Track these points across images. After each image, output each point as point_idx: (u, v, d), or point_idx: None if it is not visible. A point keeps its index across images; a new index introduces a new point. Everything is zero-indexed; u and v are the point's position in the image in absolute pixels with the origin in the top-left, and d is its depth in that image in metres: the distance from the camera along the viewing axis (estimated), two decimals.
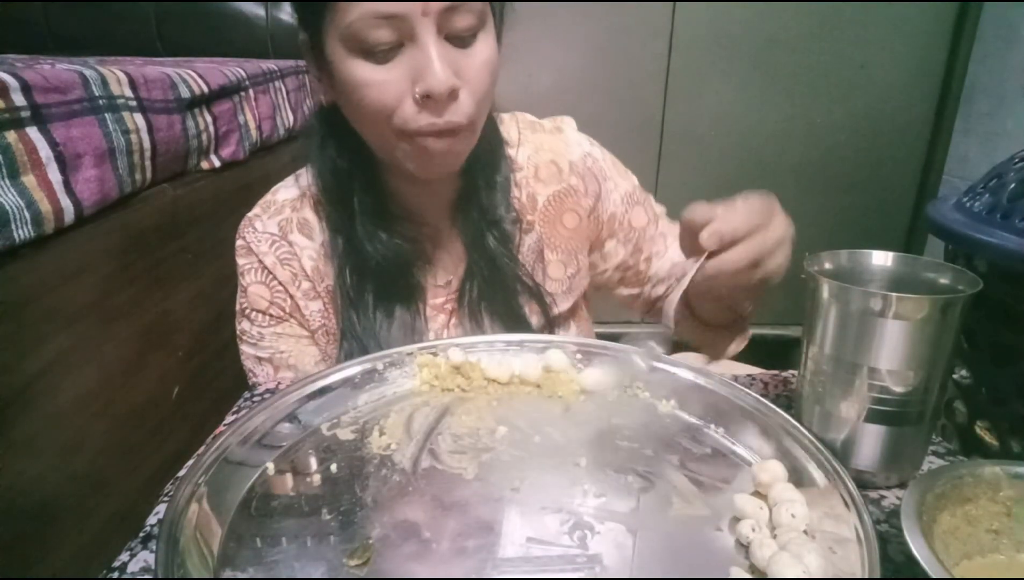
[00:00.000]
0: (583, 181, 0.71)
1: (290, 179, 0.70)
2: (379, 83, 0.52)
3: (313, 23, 0.54)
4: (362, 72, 0.52)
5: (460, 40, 0.53)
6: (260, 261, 0.65)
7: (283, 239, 0.65)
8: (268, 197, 0.69)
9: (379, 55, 0.52)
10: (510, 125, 0.71)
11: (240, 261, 0.66)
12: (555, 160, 0.70)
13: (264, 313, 0.65)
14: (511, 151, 0.69)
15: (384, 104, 0.53)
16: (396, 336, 0.63)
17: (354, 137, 0.60)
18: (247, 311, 0.66)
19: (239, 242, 0.66)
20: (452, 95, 0.52)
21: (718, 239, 0.44)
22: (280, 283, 0.64)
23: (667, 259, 0.74)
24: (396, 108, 0.53)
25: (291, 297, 0.65)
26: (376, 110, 0.53)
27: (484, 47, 0.55)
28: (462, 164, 0.61)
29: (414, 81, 0.52)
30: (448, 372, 0.49)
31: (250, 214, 0.67)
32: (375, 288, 0.64)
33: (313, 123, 0.65)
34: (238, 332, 0.67)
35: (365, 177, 0.64)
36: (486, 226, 0.66)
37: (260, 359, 0.66)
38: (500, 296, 0.66)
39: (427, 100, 0.52)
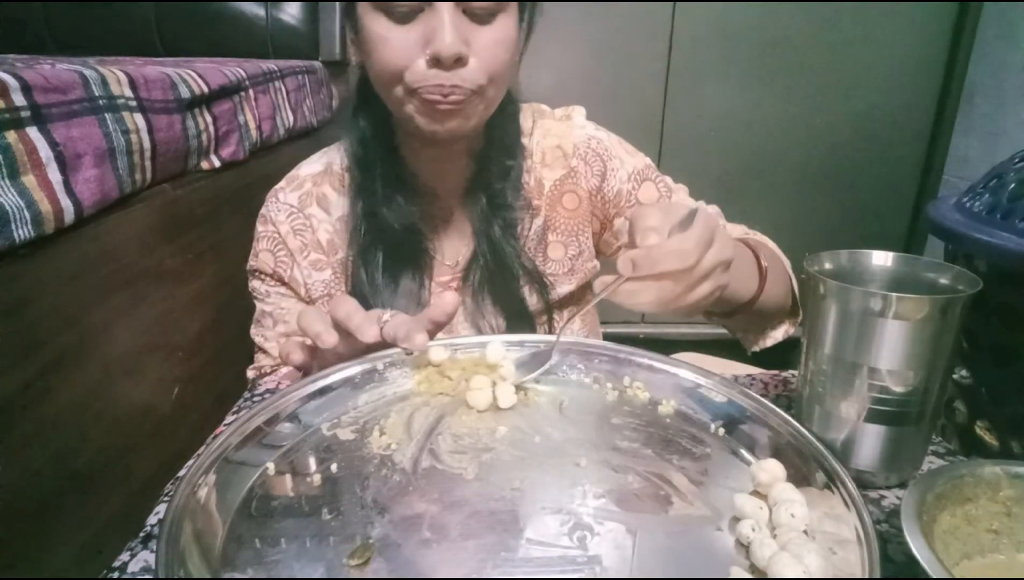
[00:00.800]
0: (585, 162, 0.72)
1: (317, 154, 0.75)
2: (395, 40, 0.56)
3: None
4: (381, 28, 0.57)
5: (477, 17, 0.57)
6: (276, 229, 0.70)
7: (300, 212, 0.71)
8: (293, 172, 0.74)
9: (399, 15, 0.56)
10: (526, 114, 0.73)
11: (258, 227, 0.72)
12: (560, 144, 0.73)
13: (271, 275, 0.71)
14: (524, 140, 0.72)
15: (397, 60, 0.57)
16: (400, 305, 0.67)
17: (382, 106, 0.64)
18: (256, 272, 0.72)
19: (262, 210, 0.72)
20: (460, 61, 0.56)
21: (631, 268, 0.44)
22: (289, 252, 0.70)
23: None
24: (408, 66, 0.56)
25: (293, 266, 0.70)
26: (390, 65, 0.57)
27: (500, 27, 0.58)
28: (471, 133, 0.64)
29: (426, 44, 0.55)
30: (436, 375, 0.49)
31: (276, 186, 0.73)
32: (386, 252, 0.67)
33: (352, 92, 0.70)
34: (249, 288, 0.73)
35: (389, 145, 0.68)
36: (493, 213, 0.68)
37: (264, 312, 0.72)
38: (502, 283, 0.69)
39: (436, 62, 0.56)
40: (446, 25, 0.54)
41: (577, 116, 0.75)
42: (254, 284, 0.73)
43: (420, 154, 0.69)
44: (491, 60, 0.58)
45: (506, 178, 0.69)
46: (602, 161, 0.73)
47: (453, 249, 0.72)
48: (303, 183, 0.72)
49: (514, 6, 0.60)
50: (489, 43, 0.58)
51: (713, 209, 0.75)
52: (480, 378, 0.47)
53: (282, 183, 0.73)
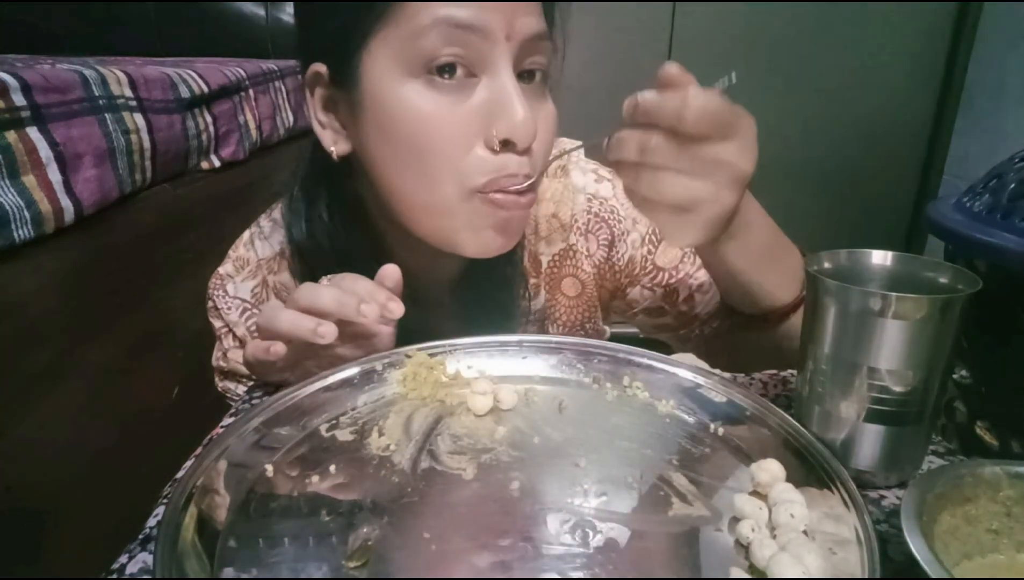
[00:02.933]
0: (585, 237, 0.62)
1: (267, 225, 0.61)
2: (446, 116, 0.43)
3: (346, 38, 0.44)
4: (423, 100, 0.43)
5: (530, 83, 0.46)
6: (231, 330, 0.59)
7: (255, 307, 0.58)
8: (241, 252, 0.60)
9: (441, 82, 0.43)
10: None
11: (213, 322, 0.60)
12: (557, 213, 0.61)
13: (248, 376, 0.59)
14: None
15: (449, 141, 0.43)
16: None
17: (359, 207, 0.53)
18: (229, 373, 0.60)
19: (209, 303, 0.59)
20: (531, 147, 0.45)
21: (633, 107, 0.39)
22: None
23: (715, 292, 0.61)
24: (464, 152, 0.44)
25: None
26: (438, 149, 0.44)
27: (550, 99, 0.48)
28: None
29: (488, 121, 0.43)
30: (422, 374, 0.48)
31: (221, 271, 0.60)
32: None
33: (300, 182, 0.56)
34: (221, 389, 0.61)
35: (365, 252, 0.54)
36: (487, 304, 0.58)
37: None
38: None
39: (506, 146, 0.44)
40: (517, 95, 0.42)
41: (575, 170, 0.62)
42: (227, 384, 0.60)
43: (405, 257, 0.54)
44: (549, 144, 0.47)
45: (499, 275, 0.58)
46: (607, 227, 0.61)
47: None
48: (256, 271, 0.59)
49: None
50: (547, 120, 0.46)
51: None
52: (482, 382, 0.47)
53: (228, 268, 0.59)
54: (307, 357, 0.47)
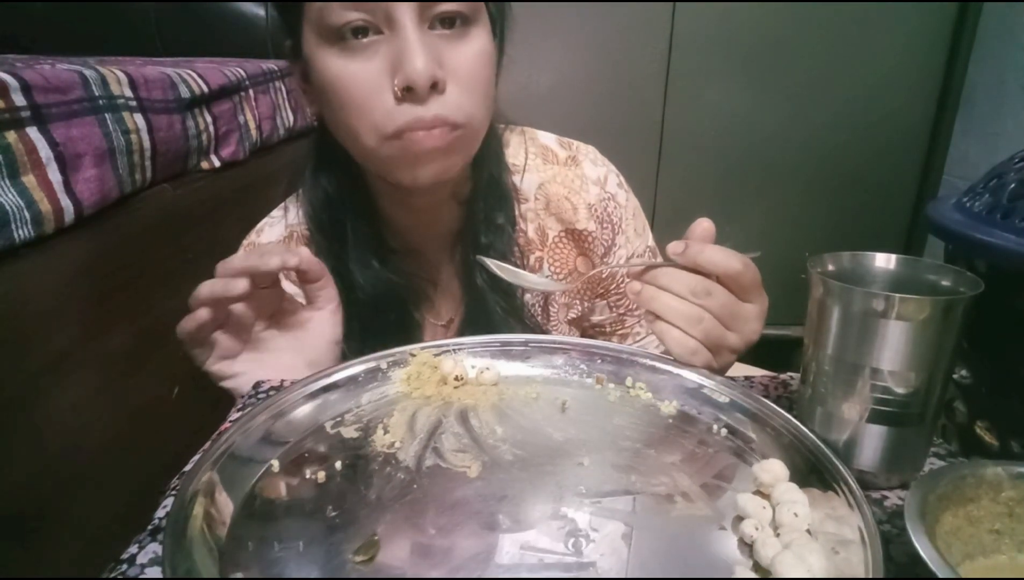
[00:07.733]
0: (600, 226, 0.65)
1: (277, 213, 0.65)
2: (354, 74, 0.48)
3: (292, 19, 0.51)
4: (336, 64, 0.48)
5: (448, 32, 0.49)
6: None
7: None
8: (253, 237, 0.64)
9: (354, 44, 0.47)
10: (517, 148, 0.65)
11: None
12: (569, 197, 0.64)
13: None
14: (515, 178, 0.63)
15: (361, 97, 0.48)
16: None
17: (349, 162, 0.57)
18: None
19: None
20: (436, 87, 0.48)
21: (682, 248, 0.45)
22: None
23: (645, 343, 0.68)
24: (375, 104, 0.48)
25: None
26: (354, 105, 0.49)
27: (476, 40, 0.51)
28: (458, 176, 0.56)
29: (393, 72, 0.47)
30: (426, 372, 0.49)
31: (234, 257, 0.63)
32: (368, 325, 0.59)
33: (308, 149, 0.62)
34: None
35: (360, 206, 0.60)
36: (483, 268, 0.61)
37: None
38: None
39: (408, 93, 0.47)
40: (413, 46, 0.46)
41: (586, 163, 0.65)
42: None
43: (398, 207, 0.61)
44: (472, 81, 0.50)
45: (494, 226, 0.60)
46: (612, 233, 0.65)
47: (446, 307, 0.65)
48: None
49: (485, 16, 0.52)
50: (464, 62, 0.49)
51: None
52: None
53: (239, 254, 0.60)
54: (222, 330, 0.51)
